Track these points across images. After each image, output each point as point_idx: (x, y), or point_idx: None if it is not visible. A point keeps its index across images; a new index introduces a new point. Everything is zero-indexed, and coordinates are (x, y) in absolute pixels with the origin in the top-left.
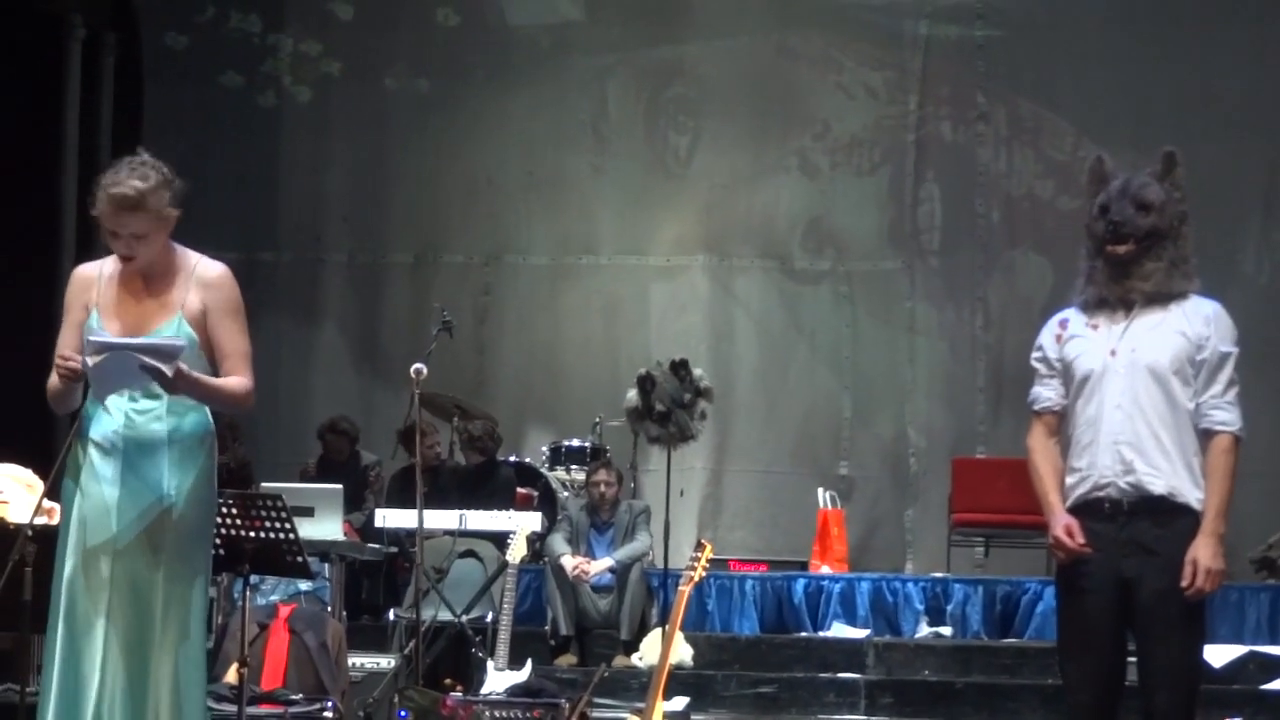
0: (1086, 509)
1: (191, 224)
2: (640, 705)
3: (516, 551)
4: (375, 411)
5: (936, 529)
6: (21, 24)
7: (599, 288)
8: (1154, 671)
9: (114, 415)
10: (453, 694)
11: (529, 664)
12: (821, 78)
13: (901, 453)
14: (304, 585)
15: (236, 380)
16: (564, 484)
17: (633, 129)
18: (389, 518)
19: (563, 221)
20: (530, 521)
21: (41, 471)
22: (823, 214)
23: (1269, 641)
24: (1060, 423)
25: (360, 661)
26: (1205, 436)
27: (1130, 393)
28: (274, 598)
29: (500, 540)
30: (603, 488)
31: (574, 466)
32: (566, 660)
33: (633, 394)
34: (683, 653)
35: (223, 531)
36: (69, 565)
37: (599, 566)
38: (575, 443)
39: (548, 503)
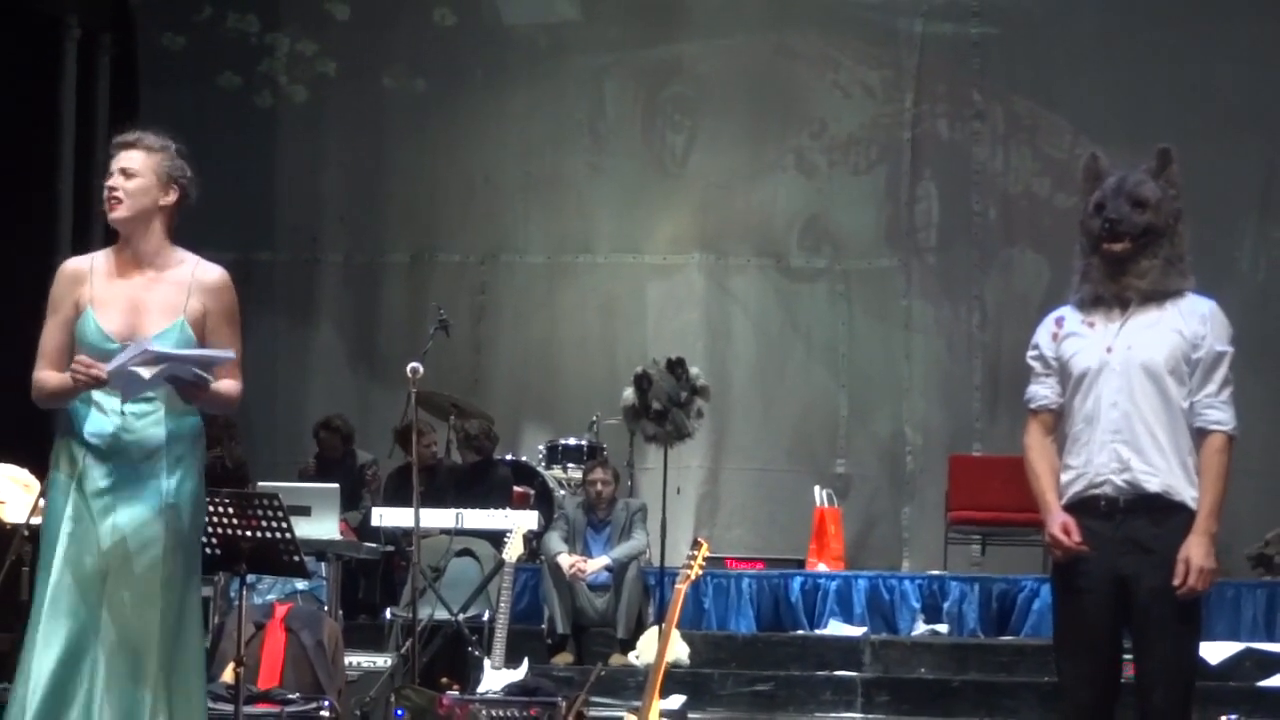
0: (1083, 507)
1: (188, 224)
2: (637, 704)
3: (513, 550)
4: (372, 411)
5: (933, 527)
6: (17, 24)
7: (596, 286)
8: (1150, 669)
9: (109, 416)
10: (449, 693)
11: (526, 662)
12: (818, 76)
13: (898, 451)
14: (300, 584)
15: (231, 384)
16: (561, 482)
17: (630, 128)
18: (386, 517)
19: (559, 220)
20: (527, 520)
21: (38, 471)
22: (819, 212)
23: (1265, 639)
24: (1056, 420)
25: (357, 660)
26: (1200, 435)
27: (1126, 391)
28: (270, 597)
29: (497, 539)
30: (600, 486)
31: (570, 465)
32: (563, 659)
33: (629, 392)
34: (679, 651)
35: (219, 531)
36: (59, 564)
37: (595, 565)
38: (572, 441)
39: (544, 501)
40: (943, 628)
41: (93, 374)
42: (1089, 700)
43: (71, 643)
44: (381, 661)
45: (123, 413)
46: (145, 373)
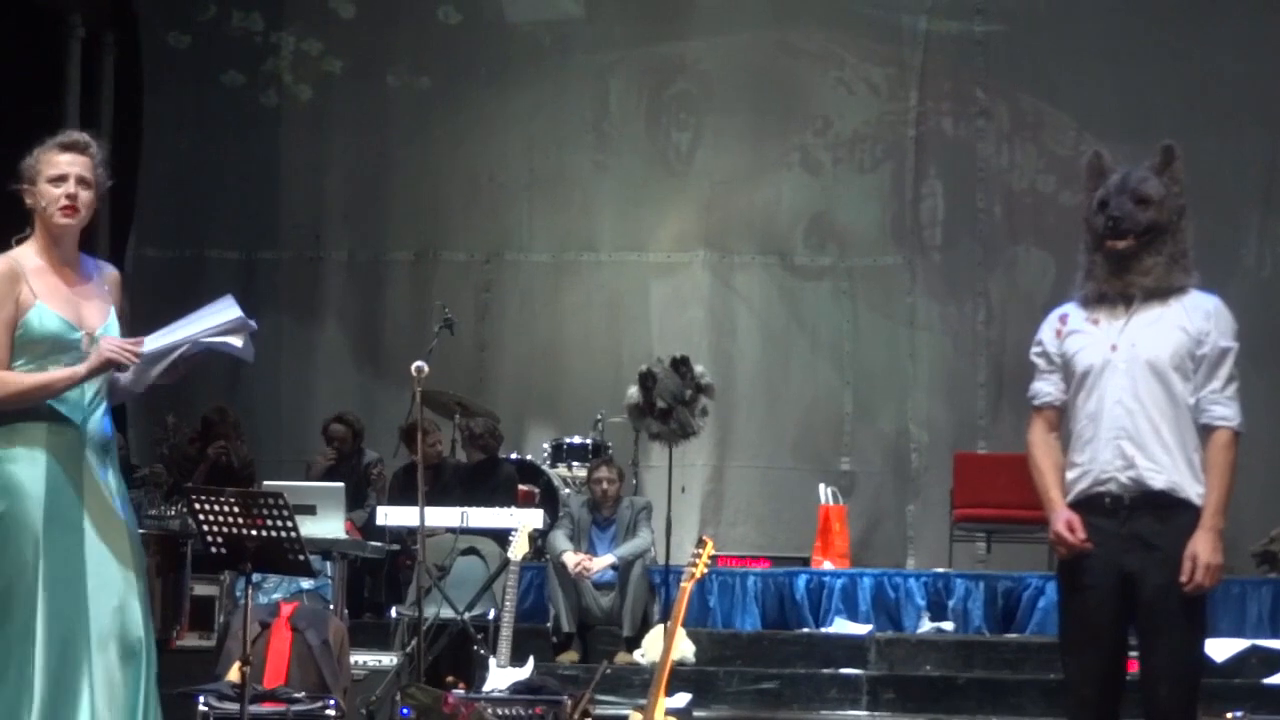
0: (1087, 504)
1: (194, 222)
2: (642, 702)
3: (518, 549)
4: (377, 409)
5: (938, 524)
6: (21, 24)
7: (600, 284)
8: (1156, 666)
9: (73, 409)
10: (455, 691)
11: (531, 661)
12: (822, 74)
13: (903, 448)
14: (306, 583)
15: None
16: (565, 481)
17: (634, 126)
18: (391, 515)
19: (564, 218)
20: (532, 519)
21: None
22: (824, 210)
23: (1270, 635)
24: (1060, 417)
25: (363, 659)
26: (1205, 431)
27: (1131, 388)
28: (276, 596)
29: (502, 537)
30: (605, 485)
31: (575, 463)
32: (569, 657)
33: (634, 390)
34: (685, 649)
35: (225, 530)
36: (44, 561)
37: (601, 563)
38: (577, 440)
39: (549, 500)
40: (948, 625)
41: (131, 352)
42: (1094, 697)
43: (64, 641)
44: (387, 660)
45: (84, 406)
46: (173, 351)
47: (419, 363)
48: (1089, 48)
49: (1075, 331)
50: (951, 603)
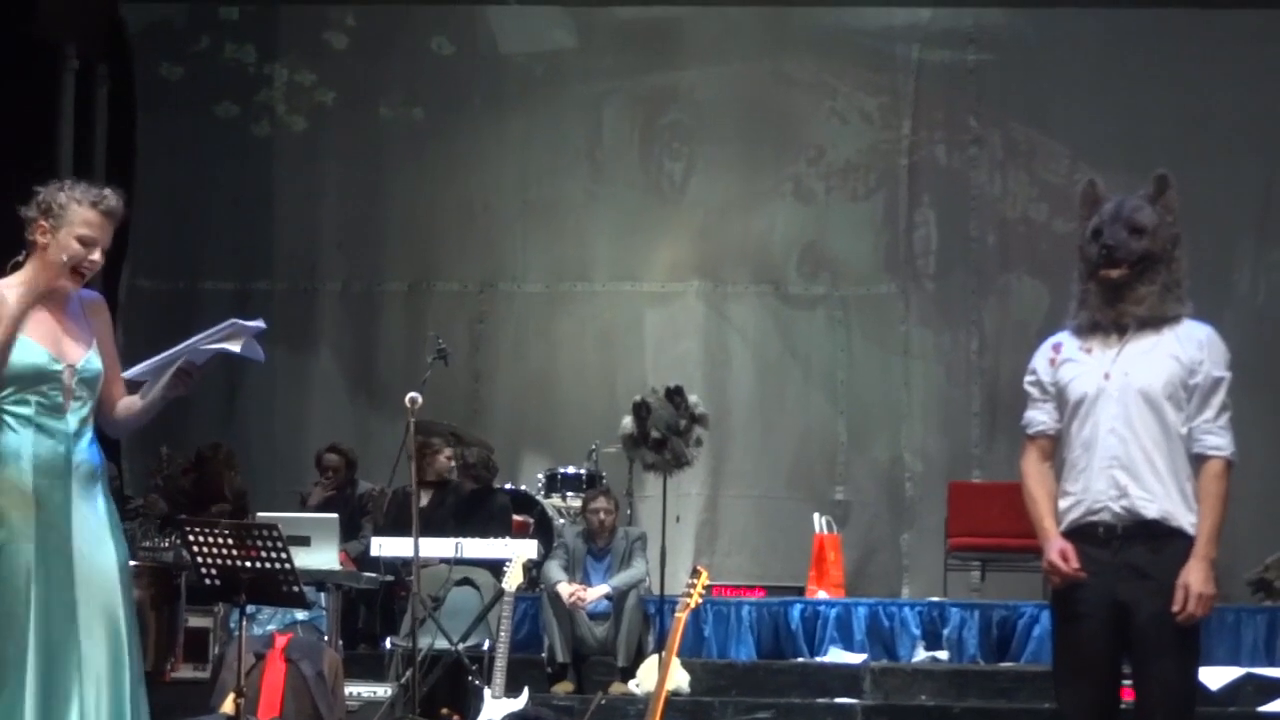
0: (1081, 533)
1: (188, 253)
2: None
3: (513, 579)
4: (371, 440)
5: (933, 553)
6: (15, 55)
7: (594, 314)
8: (1150, 695)
9: (57, 439)
10: None
11: (526, 691)
12: (815, 103)
13: (897, 477)
14: (300, 614)
15: None
16: (560, 511)
17: (627, 155)
18: (385, 546)
19: (558, 248)
20: (526, 549)
21: None
22: (817, 239)
23: (1266, 663)
24: (1054, 446)
25: (357, 690)
26: (1198, 461)
27: (1124, 417)
28: (270, 627)
29: (496, 568)
30: (602, 515)
31: (570, 493)
32: (563, 688)
33: (628, 421)
34: (680, 679)
35: (219, 561)
36: (36, 599)
37: (595, 593)
38: (571, 470)
39: (544, 530)
40: (943, 654)
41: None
42: None
43: (54, 668)
44: (382, 691)
45: (69, 436)
46: (170, 364)
47: (413, 394)
48: (1082, 76)
49: (1069, 360)
50: (946, 632)
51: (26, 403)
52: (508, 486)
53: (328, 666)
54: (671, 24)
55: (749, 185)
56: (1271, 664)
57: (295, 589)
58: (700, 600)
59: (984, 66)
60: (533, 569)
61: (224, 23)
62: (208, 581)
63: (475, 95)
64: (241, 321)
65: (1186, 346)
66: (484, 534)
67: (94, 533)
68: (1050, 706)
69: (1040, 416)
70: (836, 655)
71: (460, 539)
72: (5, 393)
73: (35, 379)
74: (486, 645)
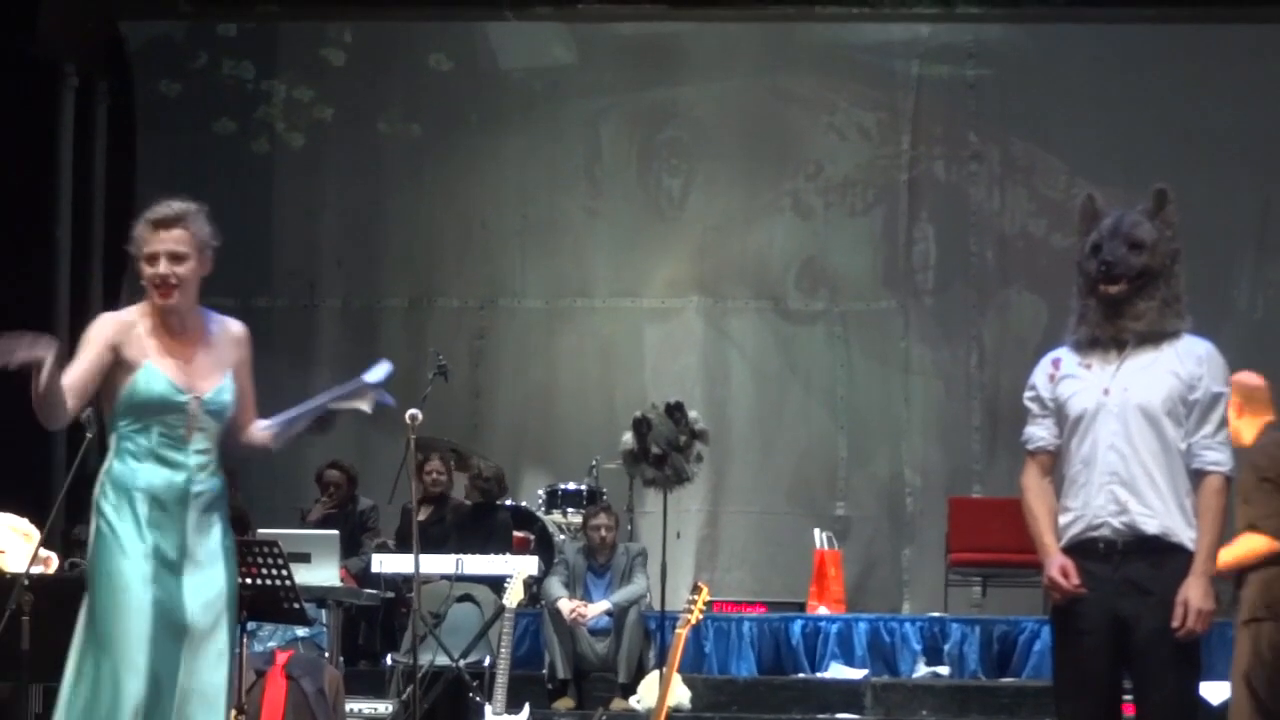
0: (1081, 549)
1: None
2: None
3: (513, 595)
4: (371, 456)
5: (933, 568)
6: (14, 73)
7: (594, 330)
8: (1151, 710)
9: (176, 470)
10: None
11: (527, 708)
12: (814, 119)
13: (898, 492)
14: (301, 631)
15: None
16: (560, 527)
17: (626, 172)
18: (386, 563)
19: (557, 264)
20: (527, 565)
21: (37, 520)
22: (816, 255)
23: None
24: (1054, 462)
25: (358, 707)
26: (1197, 476)
27: (1123, 433)
28: (271, 644)
29: (497, 584)
30: (603, 531)
31: (570, 509)
32: (564, 704)
33: (628, 437)
34: (680, 695)
35: None
36: (149, 628)
37: (596, 609)
38: (571, 486)
39: (544, 546)
40: (944, 670)
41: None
42: None
43: (160, 690)
44: (383, 708)
45: (191, 466)
46: (300, 418)
47: (413, 410)
48: (1080, 92)
49: (1068, 376)
50: (947, 647)
51: (147, 432)
52: (508, 503)
53: (328, 683)
54: (670, 40)
55: (748, 201)
56: None
57: (296, 606)
58: (701, 616)
59: (983, 82)
60: (533, 585)
61: (222, 40)
62: None
63: (474, 111)
64: (367, 379)
65: (1186, 362)
66: (484, 550)
67: (205, 565)
68: None
69: (1040, 432)
70: (837, 671)
71: (461, 555)
72: (124, 421)
73: (159, 409)
74: (487, 662)
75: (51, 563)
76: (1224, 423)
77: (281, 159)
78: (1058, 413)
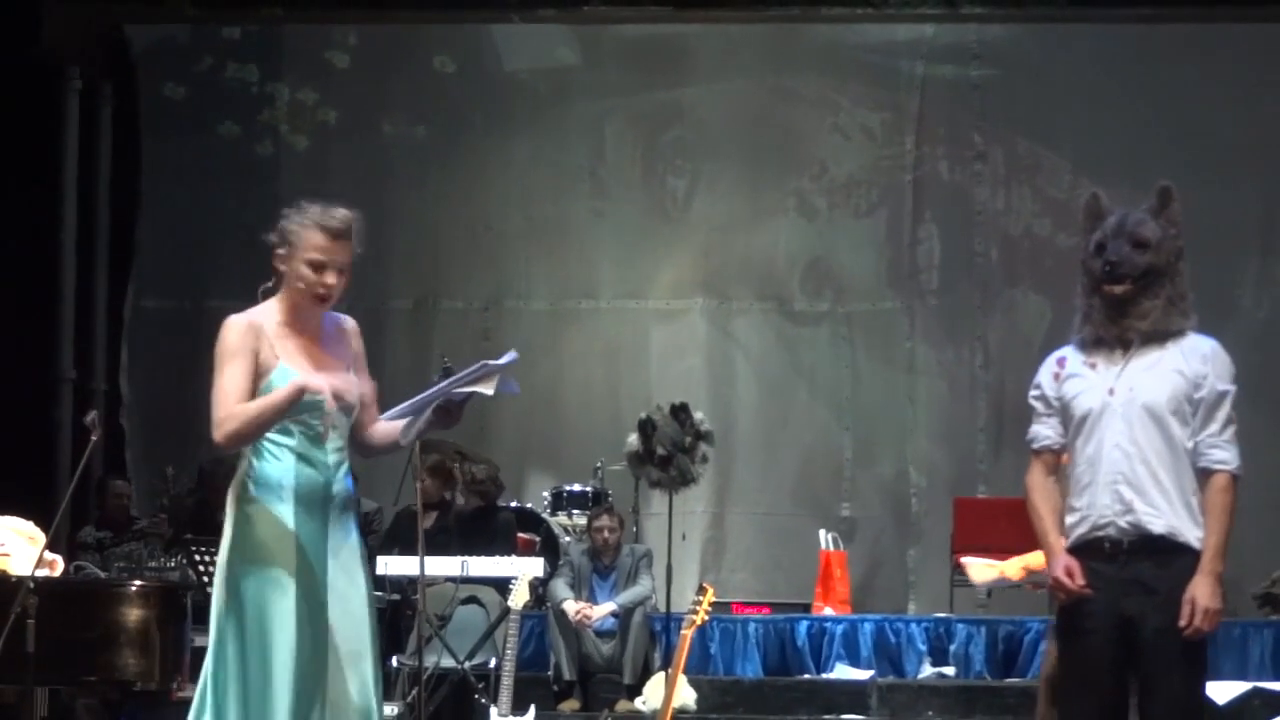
0: (1087, 549)
1: (193, 273)
2: None
3: (519, 597)
4: (375, 459)
5: (939, 569)
6: (19, 75)
7: (599, 332)
8: (1157, 710)
9: (318, 469)
10: None
11: (532, 710)
12: (818, 119)
13: (903, 493)
14: None
15: None
16: (566, 529)
17: (631, 173)
18: (391, 565)
19: (562, 266)
20: (532, 567)
21: (42, 523)
22: (821, 255)
23: (1273, 678)
24: (1059, 461)
25: None
26: (1203, 475)
27: (1128, 432)
28: None
29: (502, 586)
30: (606, 533)
31: (575, 511)
32: (570, 706)
33: (633, 438)
34: (686, 696)
35: None
36: (295, 632)
37: (601, 611)
38: (576, 487)
39: (549, 548)
40: (949, 670)
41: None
42: None
43: (306, 694)
44: (388, 710)
45: (331, 466)
46: (425, 407)
47: None
48: (1085, 92)
49: (1073, 375)
50: (953, 647)
51: (290, 433)
52: (513, 504)
53: None
54: (675, 41)
55: (752, 202)
56: (1278, 678)
57: None
58: (706, 617)
59: (987, 82)
60: (539, 587)
61: (226, 42)
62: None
63: (478, 113)
64: (491, 362)
65: (1191, 360)
66: (488, 552)
67: (346, 566)
68: None
69: (1045, 431)
70: (843, 672)
71: (466, 557)
72: None
73: (299, 408)
74: (493, 663)
75: (57, 566)
76: (1230, 421)
77: (286, 162)
78: (1063, 412)
